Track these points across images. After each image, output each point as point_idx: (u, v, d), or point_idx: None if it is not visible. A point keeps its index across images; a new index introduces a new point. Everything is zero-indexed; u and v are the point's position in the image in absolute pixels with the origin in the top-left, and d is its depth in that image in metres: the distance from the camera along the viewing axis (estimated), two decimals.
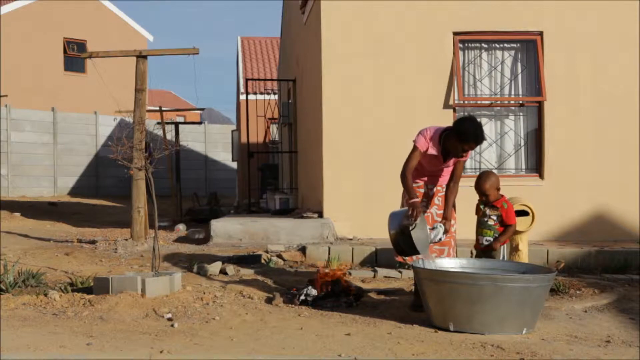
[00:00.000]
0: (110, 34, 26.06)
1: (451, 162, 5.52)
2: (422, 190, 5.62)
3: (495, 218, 5.58)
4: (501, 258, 5.65)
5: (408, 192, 5.41)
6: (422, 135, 5.46)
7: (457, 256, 5.78)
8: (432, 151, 5.42)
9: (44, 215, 13.81)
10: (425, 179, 5.62)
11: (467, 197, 8.30)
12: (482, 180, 5.60)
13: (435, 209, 5.60)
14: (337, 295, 5.72)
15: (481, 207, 5.69)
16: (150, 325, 4.91)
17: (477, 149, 9.18)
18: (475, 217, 5.84)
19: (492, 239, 5.58)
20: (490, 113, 9.31)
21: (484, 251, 5.65)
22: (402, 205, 5.67)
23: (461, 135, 5.25)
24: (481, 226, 5.65)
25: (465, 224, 7.14)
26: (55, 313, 5.17)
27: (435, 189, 5.65)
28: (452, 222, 5.65)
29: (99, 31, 25.96)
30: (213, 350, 4.29)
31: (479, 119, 5.73)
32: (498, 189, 5.62)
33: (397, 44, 9.05)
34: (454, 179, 5.56)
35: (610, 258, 7.69)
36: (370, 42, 9.05)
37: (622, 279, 7.09)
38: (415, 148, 5.46)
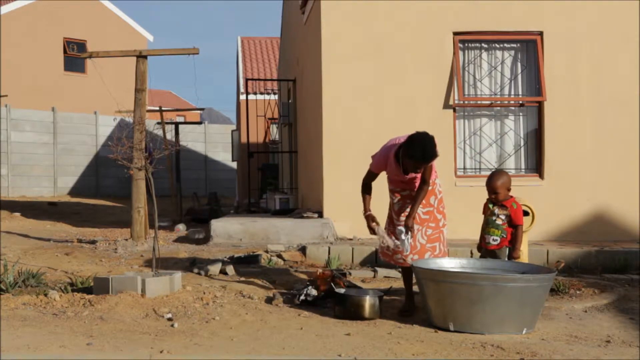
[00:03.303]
0: (110, 34, 26.06)
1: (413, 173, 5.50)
2: (406, 193, 5.63)
3: (503, 218, 5.57)
4: (505, 259, 5.63)
5: (363, 205, 5.66)
6: (377, 159, 5.61)
7: (448, 250, 5.78)
8: (392, 169, 5.52)
9: (44, 215, 13.82)
10: (403, 184, 5.63)
11: (468, 197, 8.33)
12: (494, 178, 5.61)
13: (421, 208, 5.60)
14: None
15: (490, 206, 5.68)
16: (150, 325, 4.91)
17: (477, 149, 9.21)
18: (476, 218, 5.84)
19: (499, 239, 5.57)
20: (490, 113, 9.31)
21: (489, 251, 5.64)
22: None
23: (409, 154, 5.26)
24: (488, 225, 5.64)
25: (465, 223, 7.14)
26: (55, 313, 5.17)
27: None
28: (439, 217, 5.66)
29: (99, 31, 25.95)
30: (213, 350, 4.29)
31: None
32: (509, 189, 5.62)
33: (397, 44, 9.05)
34: (423, 180, 5.52)
35: (610, 258, 7.69)
36: (370, 42, 9.05)
37: (622, 279, 7.09)
38: (370, 169, 5.70)
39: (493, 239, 5.61)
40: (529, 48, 9.23)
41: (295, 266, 7.47)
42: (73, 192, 21.80)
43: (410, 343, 4.57)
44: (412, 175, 5.48)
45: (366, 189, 5.73)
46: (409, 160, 5.30)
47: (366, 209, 5.64)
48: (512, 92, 9.29)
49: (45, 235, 10.16)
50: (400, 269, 7.04)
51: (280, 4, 21.23)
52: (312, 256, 7.82)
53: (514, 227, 5.58)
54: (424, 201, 5.56)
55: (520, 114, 9.31)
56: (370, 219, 5.58)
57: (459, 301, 4.86)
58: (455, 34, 9.08)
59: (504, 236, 5.58)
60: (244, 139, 17.40)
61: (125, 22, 27.70)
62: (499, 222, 5.59)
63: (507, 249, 5.60)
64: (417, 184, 5.58)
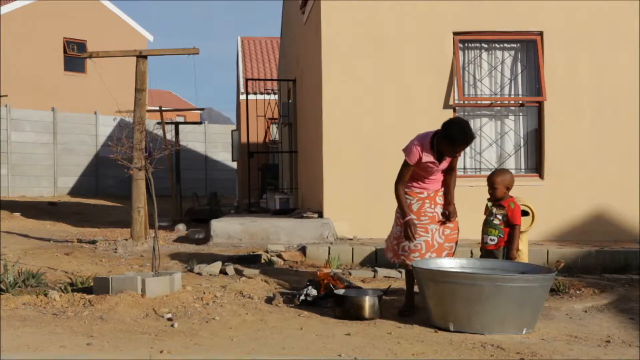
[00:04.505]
0: (110, 34, 26.06)
1: (445, 162, 5.57)
2: (424, 195, 5.62)
3: (500, 217, 5.58)
4: (502, 257, 5.64)
5: (401, 210, 5.59)
6: (412, 149, 5.52)
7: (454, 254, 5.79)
8: (427, 158, 5.48)
9: (44, 215, 13.82)
10: (423, 184, 5.64)
11: (468, 197, 8.33)
12: (496, 173, 5.67)
13: (439, 208, 5.62)
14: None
15: (488, 205, 5.70)
16: (150, 325, 4.91)
17: (477, 149, 9.21)
18: (476, 217, 5.84)
19: (496, 238, 5.58)
20: (490, 113, 9.31)
21: (487, 251, 5.64)
22: (396, 219, 5.73)
23: (451, 140, 5.35)
24: (487, 225, 5.66)
25: (465, 223, 7.14)
26: (55, 313, 5.17)
27: (435, 191, 5.66)
28: (456, 218, 5.71)
29: (99, 31, 25.96)
30: (213, 350, 4.29)
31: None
32: (508, 188, 5.63)
33: (397, 44, 9.05)
34: (452, 167, 5.65)
35: (610, 258, 7.69)
36: (370, 42, 9.05)
37: (622, 279, 7.09)
38: (406, 164, 5.57)
39: (490, 239, 5.62)
40: (529, 48, 9.23)
41: (295, 266, 7.47)
42: (73, 192, 21.80)
43: (410, 343, 4.57)
44: (441, 167, 5.52)
45: (401, 189, 5.59)
46: (447, 145, 5.36)
47: (407, 212, 5.54)
48: (512, 92, 9.29)
49: (45, 235, 10.16)
50: (400, 269, 7.06)
51: (280, 4, 21.25)
52: (312, 256, 7.82)
53: (511, 227, 5.58)
54: (441, 202, 5.60)
55: (520, 114, 9.31)
56: (412, 225, 5.49)
57: (459, 301, 4.86)
58: (455, 34, 9.08)
59: (501, 236, 5.58)
60: (244, 139, 17.40)
61: (125, 22, 27.70)
62: (496, 222, 5.60)
63: (505, 249, 5.60)
64: (439, 181, 5.64)
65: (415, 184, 5.65)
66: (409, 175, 5.60)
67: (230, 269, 6.79)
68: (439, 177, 5.65)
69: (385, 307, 5.52)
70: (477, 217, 5.86)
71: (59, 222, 12.65)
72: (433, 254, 5.54)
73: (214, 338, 4.62)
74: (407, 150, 5.55)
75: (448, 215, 5.60)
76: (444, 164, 5.56)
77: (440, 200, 5.64)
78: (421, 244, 5.54)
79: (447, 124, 5.42)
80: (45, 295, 5.54)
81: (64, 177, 21.83)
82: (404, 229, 5.52)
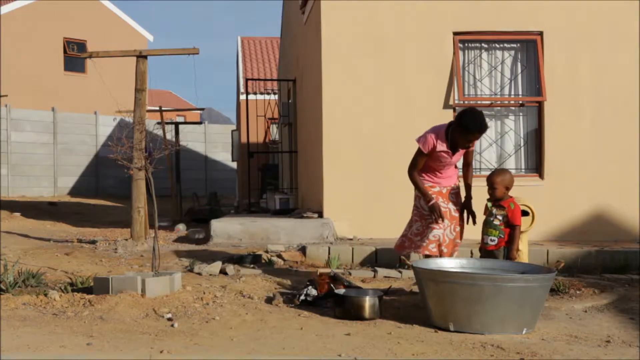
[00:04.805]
0: (110, 34, 26.06)
1: (458, 154, 5.62)
2: (436, 189, 5.66)
3: (500, 218, 5.59)
4: (502, 258, 5.64)
5: (423, 195, 5.62)
6: (426, 137, 5.55)
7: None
8: (442, 148, 5.52)
9: (44, 215, 13.82)
10: (436, 177, 5.67)
11: None
12: (495, 173, 5.69)
13: (452, 205, 5.65)
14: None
15: (488, 205, 5.71)
16: (150, 325, 4.91)
17: (478, 149, 9.21)
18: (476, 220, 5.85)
19: (496, 239, 5.59)
20: (490, 113, 9.31)
21: (487, 251, 5.65)
22: (415, 216, 5.75)
23: (465, 129, 5.41)
24: (486, 225, 5.67)
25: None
26: (55, 313, 5.17)
27: (447, 188, 5.69)
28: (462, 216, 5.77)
29: (99, 31, 25.96)
30: (213, 350, 4.29)
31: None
32: (508, 189, 5.64)
33: (397, 44, 9.05)
34: (468, 163, 5.76)
35: (610, 258, 7.69)
36: (370, 42, 9.05)
37: (622, 279, 7.08)
38: (419, 152, 5.58)
39: (491, 240, 5.62)
40: (529, 48, 9.23)
41: (295, 266, 7.47)
42: (73, 192, 21.80)
43: (410, 343, 4.57)
44: (455, 159, 5.55)
45: (417, 175, 5.64)
46: (461, 135, 5.42)
47: (430, 195, 5.58)
48: (512, 92, 9.30)
49: (45, 235, 10.16)
50: (400, 269, 7.06)
51: (280, 4, 21.25)
52: (312, 256, 7.82)
53: (511, 227, 5.59)
54: (453, 199, 5.63)
55: (520, 114, 9.31)
56: (438, 208, 5.54)
57: (459, 301, 4.86)
58: (455, 34, 9.08)
59: (502, 236, 5.59)
60: (244, 139, 17.39)
61: (125, 22, 27.70)
62: (496, 222, 5.60)
63: (505, 249, 5.61)
64: (449, 180, 5.67)
65: (427, 178, 5.68)
66: (422, 165, 5.62)
67: (230, 269, 6.79)
68: (451, 172, 5.68)
69: (385, 307, 5.52)
70: (476, 217, 5.86)
71: (59, 222, 12.65)
72: (446, 248, 5.59)
73: (214, 338, 4.62)
74: (421, 139, 5.60)
75: (474, 215, 5.69)
76: (457, 157, 5.62)
77: (452, 197, 5.68)
78: (439, 236, 5.59)
79: (461, 114, 5.50)
80: (45, 295, 5.54)
81: (64, 177, 21.84)
82: (430, 212, 5.54)
